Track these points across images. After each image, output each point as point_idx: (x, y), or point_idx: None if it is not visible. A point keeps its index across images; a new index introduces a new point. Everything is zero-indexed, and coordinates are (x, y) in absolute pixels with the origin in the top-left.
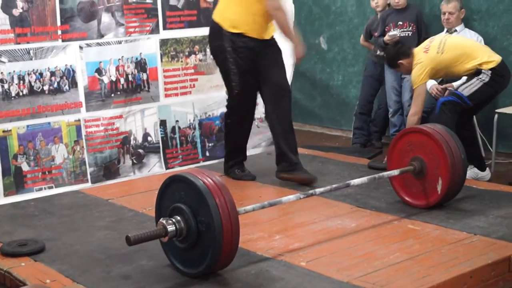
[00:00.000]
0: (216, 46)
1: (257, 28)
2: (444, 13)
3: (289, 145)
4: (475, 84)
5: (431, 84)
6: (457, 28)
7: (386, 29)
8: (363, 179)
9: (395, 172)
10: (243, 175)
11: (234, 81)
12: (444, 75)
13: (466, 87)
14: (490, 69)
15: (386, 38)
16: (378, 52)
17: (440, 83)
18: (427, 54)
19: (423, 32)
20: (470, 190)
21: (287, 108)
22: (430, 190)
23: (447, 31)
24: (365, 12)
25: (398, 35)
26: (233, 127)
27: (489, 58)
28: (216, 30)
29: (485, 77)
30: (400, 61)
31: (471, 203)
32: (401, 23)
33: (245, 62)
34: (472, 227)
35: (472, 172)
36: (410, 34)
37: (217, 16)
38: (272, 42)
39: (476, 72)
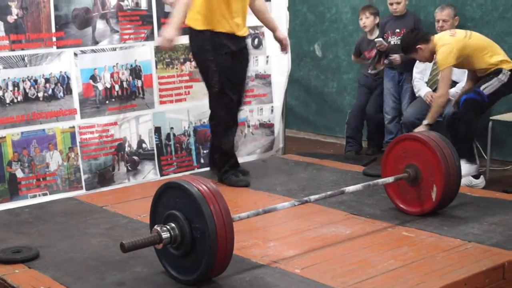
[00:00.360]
0: (193, 46)
1: (225, 24)
2: (438, 21)
3: None
4: (494, 85)
5: (426, 91)
6: None
7: (384, 36)
8: (358, 186)
9: (390, 179)
10: (238, 180)
11: (214, 79)
12: (465, 65)
13: (487, 87)
14: (510, 70)
15: (377, 44)
16: (370, 71)
17: (434, 90)
18: (454, 37)
19: None
20: (465, 197)
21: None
22: (424, 197)
23: None
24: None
25: (385, 44)
26: (218, 128)
27: (508, 58)
28: (191, 32)
29: (504, 78)
30: (419, 46)
31: (465, 210)
32: (398, 30)
33: (225, 59)
34: (467, 234)
35: (466, 179)
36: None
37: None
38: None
39: (496, 71)
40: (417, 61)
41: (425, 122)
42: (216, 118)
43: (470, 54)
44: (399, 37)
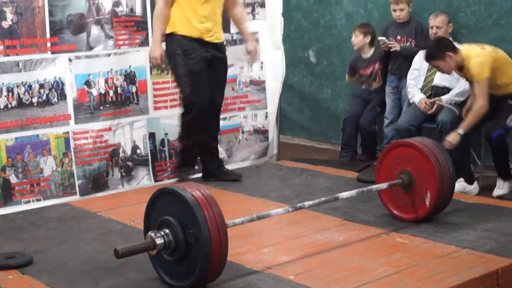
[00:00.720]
0: (166, 49)
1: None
2: (432, 27)
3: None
4: None
5: (420, 97)
6: None
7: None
8: (352, 193)
9: (384, 185)
10: (186, 178)
11: (184, 83)
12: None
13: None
14: None
15: (383, 47)
16: (365, 87)
17: (428, 97)
18: (485, 50)
19: (423, 45)
20: (459, 204)
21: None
22: (418, 204)
23: None
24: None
25: (388, 42)
26: (185, 127)
27: None
28: (165, 36)
29: None
30: (449, 53)
31: (459, 217)
32: (399, 37)
33: (194, 64)
34: (461, 240)
35: (460, 185)
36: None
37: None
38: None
39: None
40: (412, 67)
41: (460, 131)
42: (185, 117)
43: (498, 67)
44: (400, 44)
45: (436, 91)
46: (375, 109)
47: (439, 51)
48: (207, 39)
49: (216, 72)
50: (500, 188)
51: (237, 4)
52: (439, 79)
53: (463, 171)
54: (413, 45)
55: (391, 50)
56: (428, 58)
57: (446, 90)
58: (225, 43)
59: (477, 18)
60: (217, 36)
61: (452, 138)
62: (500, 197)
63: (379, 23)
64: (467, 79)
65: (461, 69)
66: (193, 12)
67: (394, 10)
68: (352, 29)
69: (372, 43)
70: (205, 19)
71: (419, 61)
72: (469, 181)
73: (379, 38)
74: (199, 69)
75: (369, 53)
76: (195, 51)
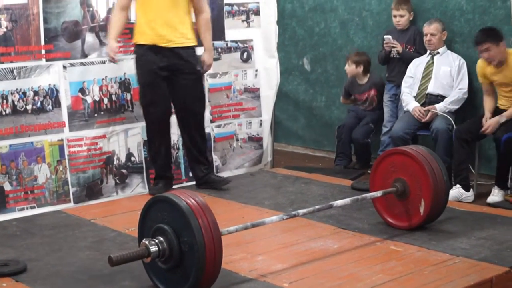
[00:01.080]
0: None
1: (145, 35)
2: (426, 35)
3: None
4: None
5: (414, 105)
6: (440, 50)
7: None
8: (346, 201)
9: (378, 193)
10: (152, 188)
11: (140, 94)
12: None
13: None
14: None
15: (386, 46)
16: (361, 107)
17: (422, 105)
18: None
19: (422, 51)
20: (453, 212)
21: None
22: (412, 212)
23: (429, 53)
24: (348, 34)
25: (392, 42)
26: (148, 139)
27: None
28: None
29: None
30: (503, 42)
31: (453, 225)
32: (396, 41)
33: (147, 75)
34: (455, 248)
35: (457, 192)
36: (399, 57)
37: None
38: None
39: None
40: (406, 75)
41: (502, 119)
42: (146, 127)
43: None
44: (396, 51)
45: (430, 99)
46: (369, 126)
47: (497, 36)
48: (162, 45)
49: (181, 82)
50: (495, 195)
51: (200, 11)
52: (434, 87)
53: (460, 178)
54: (412, 51)
55: (392, 50)
56: (484, 38)
57: (440, 98)
58: (194, 47)
59: (472, 27)
60: (176, 41)
61: (494, 122)
62: (493, 205)
63: (373, 31)
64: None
65: (501, 64)
66: (145, 18)
67: (395, 16)
68: (346, 57)
69: (366, 71)
70: (155, 23)
71: (414, 69)
72: (466, 188)
73: (385, 36)
74: (150, 81)
75: (363, 80)
76: (147, 61)
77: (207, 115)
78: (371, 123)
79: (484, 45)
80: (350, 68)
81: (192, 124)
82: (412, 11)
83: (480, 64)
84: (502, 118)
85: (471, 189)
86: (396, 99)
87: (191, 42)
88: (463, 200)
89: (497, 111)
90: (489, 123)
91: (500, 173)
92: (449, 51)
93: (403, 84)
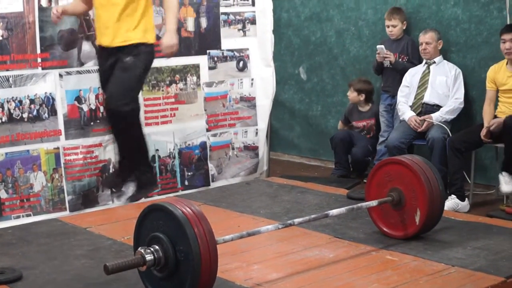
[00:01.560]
0: None
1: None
2: (422, 44)
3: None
4: None
5: (410, 115)
6: (436, 59)
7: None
8: (342, 210)
9: (374, 203)
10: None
11: None
12: None
13: None
14: None
15: (377, 57)
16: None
17: (418, 114)
18: None
19: (416, 61)
20: (448, 222)
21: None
22: (408, 221)
23: (425, 63)
24: (344, 43)
25: (385, 52)
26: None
27: None
28: None
29: None
30: None
31: (449, 234)
32: (388, 51)
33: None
34: (450, 258)
35: (453, 202)
36: (392, 67)
37: None
38: (125, 51)
39: None
40: (402, 85)
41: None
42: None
43: None
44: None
45: (426, 109)
46: (368, 148)
47: None
48: (105, 44)
49: (112, 76)
50: (507, 184)
51: None
52: (430, 96)
53: (455, 188)
54: (405, 61)
55: (384, 60)
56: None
57: (436, 107)
58: (140, 46)
59: (467, 36)
60: (119, 40)
61: (497, 121)
62: (489, 215)
63: (369, 40)
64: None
65: None
66: (96, 15)
67: (387, 26)
68: (348, 84)
69: (368, 99)
70: (99, 22)
71: (410, 78)
72: (461, 198)
73: (377, 46)
74: (101, 84)
75: (365, 108)
76: (98, 63)
77: (203, 124)
78: (370, 145)
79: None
80: (352, 95)
81: (129, 125)
82: (405, 21)
83: (493, 68)
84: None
85: (466, 199)
86: (392, 109)
87: None
88: (459, 210)
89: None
90: (494, 121)
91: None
92: (445, 61)
93: (399, 94)
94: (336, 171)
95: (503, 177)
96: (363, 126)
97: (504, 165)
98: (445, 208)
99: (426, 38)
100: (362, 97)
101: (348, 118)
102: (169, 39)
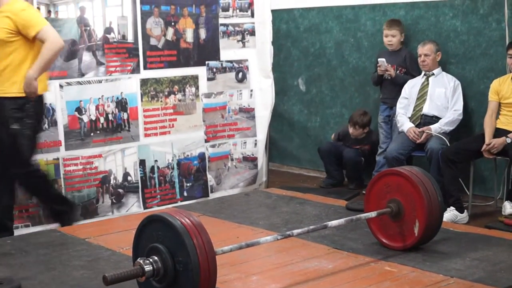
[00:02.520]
0: None
1: None
2: (420, 55)
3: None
4: None
5: (409, 126)
6: (435, 71)
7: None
8: (341, 221)
9: (372, 214)
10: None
11: None
12: None
13: None
14: None
15: (379, 71)
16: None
17: (417, 126)
18: None
19: (414, 73)
20: (447, 233)
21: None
22: (407, 232)
23: (424, 74)
24: (343, 55)
25: (386, 65)
26: None
27: None
28: None
29: None
30: None
31: (448, 246)
32: (390, 65)
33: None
34: (449, 269)
35: (451, 214)
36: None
37: None
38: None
39: None
40: (401, 96)
41: (508, 140)
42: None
43: None
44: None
45: (425, 120)
46: (360, 157)
47: None
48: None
49: None
50: (510, 208)
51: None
52: (429, 108)
53: (453, 200)
54: (403, 73)
55: (385, 74)
56: None
57: (435, 119)
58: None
59: (466, 48)
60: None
61: (499, 143)
62: (488, 226)
63: (367, 52)
64: None
65: None
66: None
67: (386, 36)
68: (349, 120)
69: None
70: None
71: (409, 90)
72: (460, 210)
73: (379, 59)
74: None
75: (360, 136)
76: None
77: (202, 135)
78: (362, 156)
79: None
80: (357, 132)
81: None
82: (403, 32)
83: (498, 81)
84: (508, 139)
85: (466, 210)
86: (390, 120)
87: None
88: (458, 222)
89: (496, 131)
90: (494, 142)
91: None
92: (444, 73)
93: (398, 105)
94: (326, 180)
95: (508, 204)
96: (356, 148)
97: (509, 194)
98: (444, 219)
99: (425, 50)
100: (366, 129)
101: (341, 139)
102: (26, 81)
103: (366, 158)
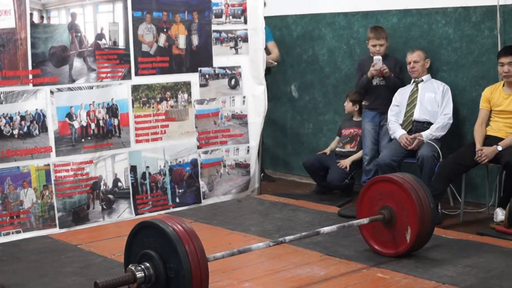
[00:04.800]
0: None
1: None
2: (410, 62)
3: None
4: None
5: (401, 133)
6: (424, 78)
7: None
8: (333, 227)
9: (365, 220)
10: None
11: None
12: None
13: None
14: None
15: (371, 70)
16: (338, 148)
17: (409, 132)
18: None
19: (401, 80)
20: (439, 239)
21: None
22: (399, 239)
23: (414, 81)
24: (336, 62)
25: (381, 65)
26: None
27: None
28: None
29: None
30: None
31: (439, 252)
32: (385, 65)
33: None
34: (441, 276)
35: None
36: (385, 83)
37: None
38: None
39: None
40: (392, 104)
41: (499, 147)
42: None
43: None
44: (379, 78)
45: (416, 126)
46: (343, 171)
47: None
48: None
49: None
50: (502, 215)
51: None
52: (419, 113)
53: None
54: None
55: (383, 71)
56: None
57: (426, 124)
58: None
59: (459, 55)
60: None
61: (490, 152)
62: (480, 233)
63: (360, 58)
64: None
65: None
66: None
67: (374, 45)
68: (346, 95)
69: (361, 111)
70: None
71: (399, 97)
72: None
73: (374, 57)
74: None
75: (358, 118)
76: None
77: (194, 141)
78: (346, 175)
79: (510, 57)
80: (348, 105)
81: None
82: (388, 38)
83: (489, 89)
84: (499, 147)
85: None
86: (380, 126)
87: None
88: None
89: (487, 138)
90: (485, 153)
91: (507, 194)
92: (433, 79)
93: (389, 113)
94: (316, 188)
95: (500, 210)
96: (349, 133)
97: (501, 201)
98: None
99: (414, 57)
100: (356, 107)
101: (341, 128)
102: None
103: (351, 171)
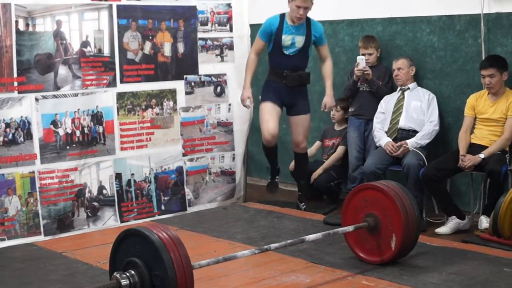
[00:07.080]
0: None
1: None
2: (394, 70)
3: None
4: None
5: (386, 141)
6: (410, 86)
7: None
8: (318, 235)
9: (350, 228)
10: None
11: None
12: None
13: None
14: None
15: (355, 70)
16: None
17: (394, 140)
18: None
19: (389, 89)
20: (424, 247)
21: None
22: (384, 247)
23: (400, 89)
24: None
25: (363, 66)
26: None
27: None
28: None
29: None
30: (506, 74)
31: (424, 260)
32: (367, 66)
33: None
34: (426, 283)
35: (453, 223)
36: (369, 89)
37: None
38: None
39: None
40: (377, 111)
41: (481, 155)
42: None
43: None
44: (368, 86)
45: (402, 134)
46: (329, 173)
47: (503, 65)
48: None
49: None
50: (486, 223)
51: None
52: (405, 121)
53: (451, 210)
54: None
55: (364, 73)
56: (492, 64)
57: (412, 132)
58: None
59: (443, 64)
60: None
61: (473, 160)
62: (464, 241)
63: (346, 67)
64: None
65: (496, 95)
66: None
67: (364, 55)
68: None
69: (347, 120)
70: None
71: (385, 105)
72: (461, 217)
73: (358, 57)
74: None
75: (341, 127)
76: None
77: (180, 149)
78: (332, 171)
79: (491, 70)
80: (337, 114)
81: None
82: (379, 48)
83: (474, 96)
84: (481, 155)
85: (466, 216)
86: (365, 134)
87: None
88: (461, 228)
89: (471, 147)
90: (469, 159)
91: (491, 203)
92: (419, 87)
93: (375, 120)
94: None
95: (485, 218)
96: (332, 144)
97: (486, 209)
98: (448, 230)
99: (398, 64)
100: (346, 115)
101: (322, 139)
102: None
103: (338, 177)
